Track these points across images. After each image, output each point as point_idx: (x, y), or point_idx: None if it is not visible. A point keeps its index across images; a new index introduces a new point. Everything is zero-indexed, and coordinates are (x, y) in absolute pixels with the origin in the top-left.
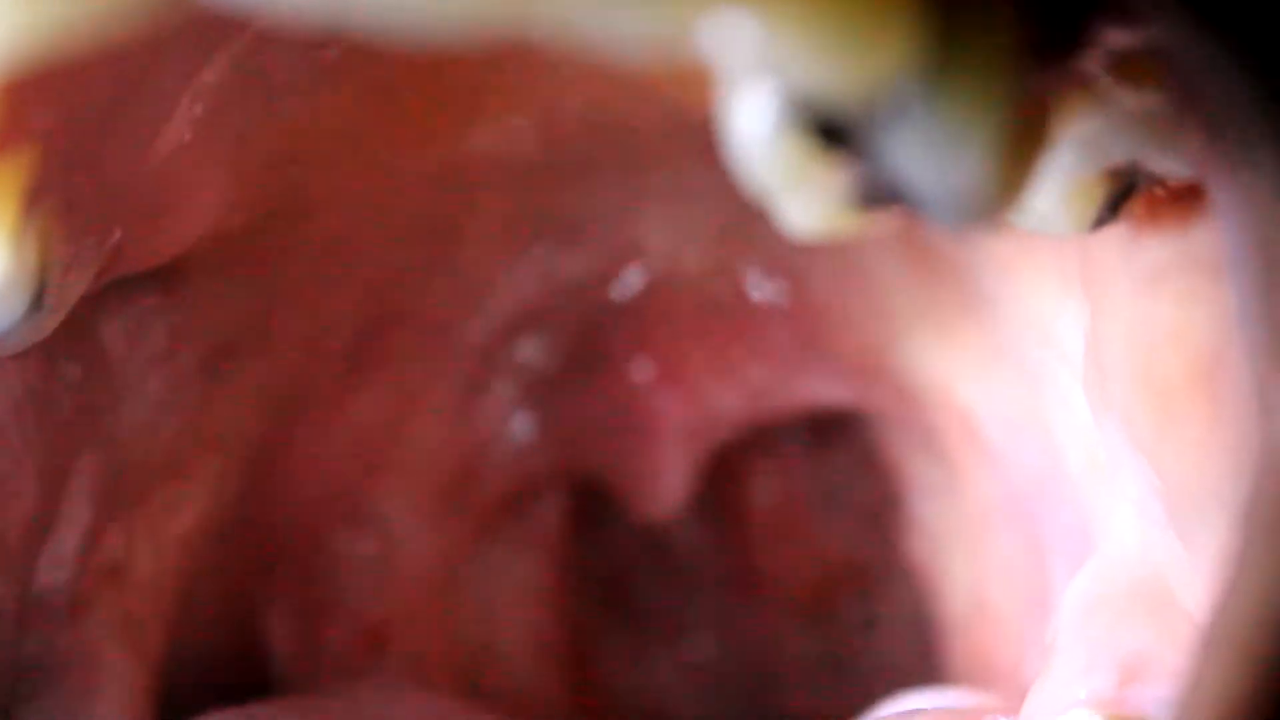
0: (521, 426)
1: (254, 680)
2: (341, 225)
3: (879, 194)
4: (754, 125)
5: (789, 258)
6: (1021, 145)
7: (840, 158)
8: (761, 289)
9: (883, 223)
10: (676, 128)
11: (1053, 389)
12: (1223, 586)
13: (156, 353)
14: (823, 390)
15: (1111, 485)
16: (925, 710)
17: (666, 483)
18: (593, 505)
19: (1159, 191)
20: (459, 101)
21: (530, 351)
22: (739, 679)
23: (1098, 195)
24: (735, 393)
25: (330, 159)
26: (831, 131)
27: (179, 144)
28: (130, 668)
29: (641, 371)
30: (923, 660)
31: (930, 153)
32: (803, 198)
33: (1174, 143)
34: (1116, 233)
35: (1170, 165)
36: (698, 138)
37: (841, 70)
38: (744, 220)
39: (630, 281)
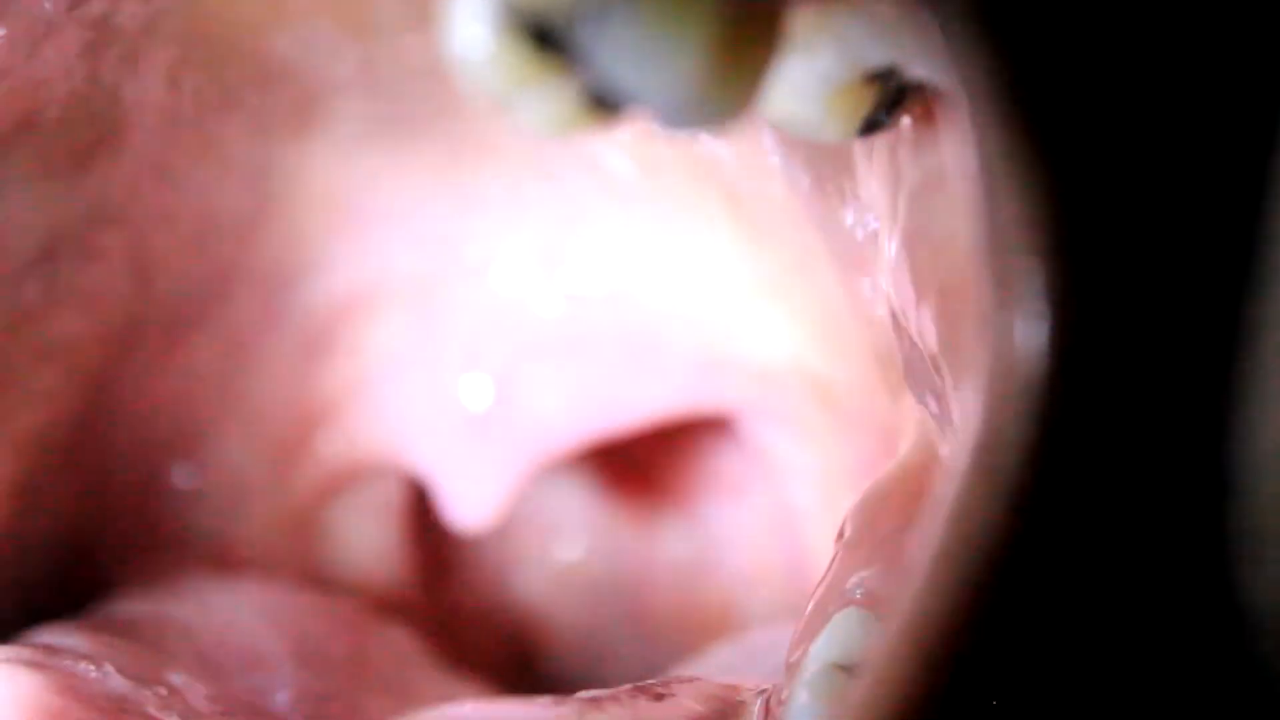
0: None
1: (83, 592)
2: (156, 137)
3: (608, 98)
4: (473, 31)
5: (617, 253)
6: (741, 45)
7: (559, 63)
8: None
9: (618, 127)
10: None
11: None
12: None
13: None
14: (666, 389)
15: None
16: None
17: (490, 497)
18: None
19: (929, 101)
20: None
21: (363, 334)
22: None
23: (862, 101)
24: (569, 403)
25: (138, 50)
26: (547, 36)
27: None
28: None
29: (470, 379)
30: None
31: (638, 56)
32: (530, 102)
33: (926, 48)
34: (900, 141)
35: (927, 71)
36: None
37: None
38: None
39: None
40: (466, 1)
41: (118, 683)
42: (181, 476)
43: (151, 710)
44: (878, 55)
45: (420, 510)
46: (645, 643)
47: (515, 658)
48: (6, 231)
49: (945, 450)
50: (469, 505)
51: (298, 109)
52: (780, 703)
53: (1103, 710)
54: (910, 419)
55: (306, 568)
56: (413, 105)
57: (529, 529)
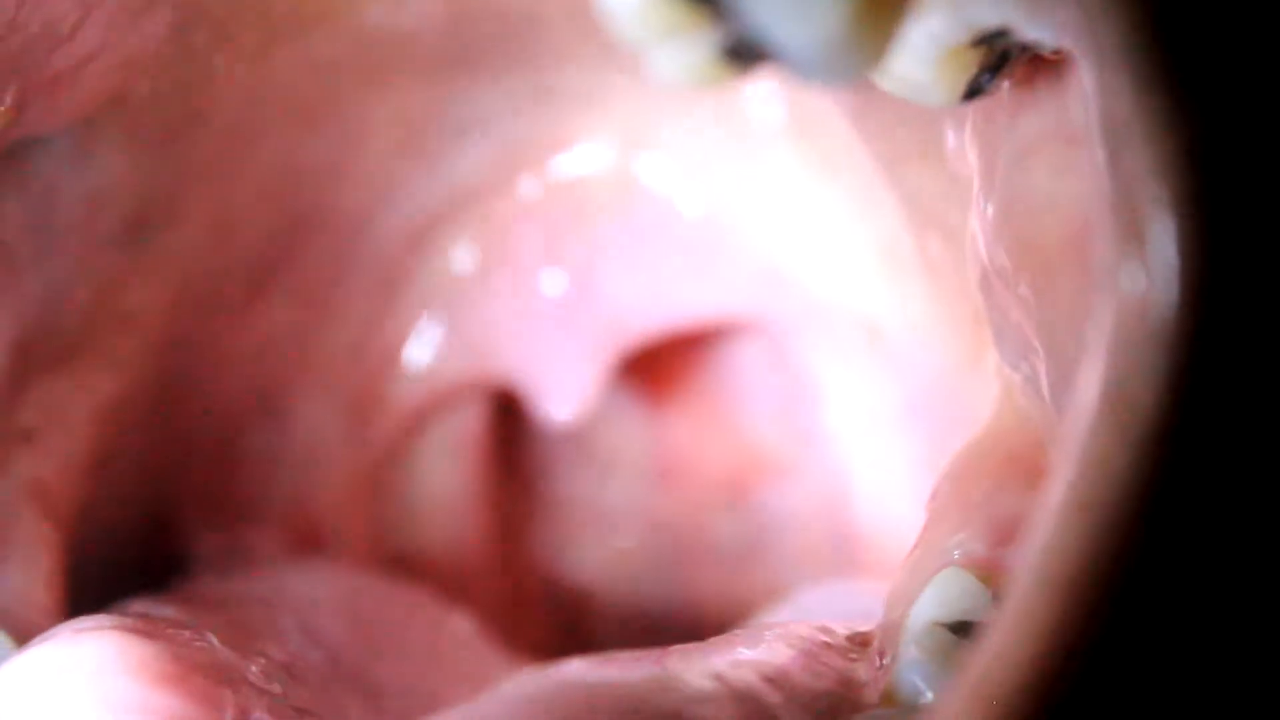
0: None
1: (162, 565)
2: (243, 104)
3: (746, 51)
4: None
5: (692, 160)
6: (878, 2)
7: (706, 13)
8: (665, 193)
9: (754, 78)
10: (584, 20)
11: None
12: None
13: (64, 224)
14: (728, 295)
15: (996, 364)
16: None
17: (577, 386)
18: (509, 409)
19: (1036, 62)
20: None
21: (439, 256)
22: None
23: (970, 63)
24: (643, 297)
25: (228, 27)
26: None
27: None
28: (41, 535)
29: (550, 276)
30: (836, 551)
31: (788, 8)
32: (671, 52)
33: (1042, 8)
34: (997, 106)
35: (1040, 33)
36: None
37: None
38: (649, 123)
39: (535, 184)
40: None
41: (223, 652)
42: (259, 439)
43: (255, 680)
44: (991, 15)
45: (496, 457)
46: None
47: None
48: (96, 202)
49: (1037, 415)
50: (558, 397)
51: (379, 66)
52: (884, 662)
53: (1251, 672)
54: (993, 383)
55: (379, 534)
56: (489, 46)
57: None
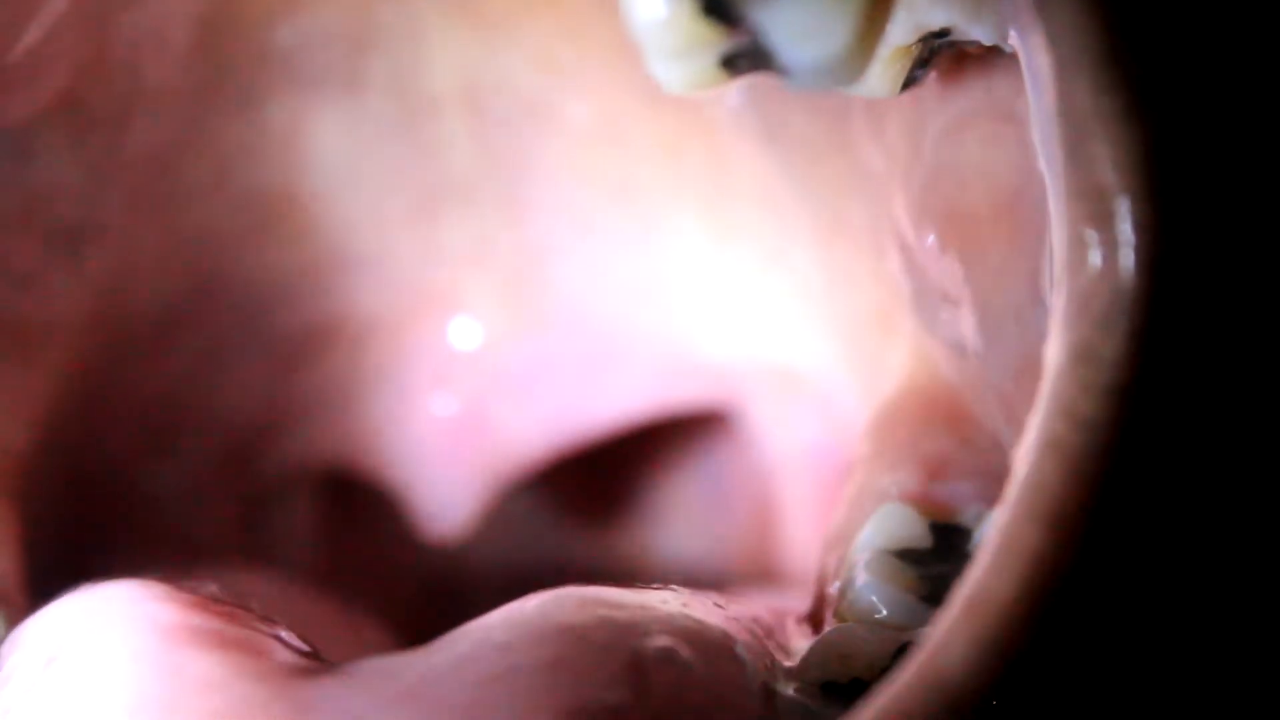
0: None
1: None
2: (159, 105)
3: (747, 62)
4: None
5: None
6: (875, 17)
7: (722, 28)
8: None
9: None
10: None
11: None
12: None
13: (7, 216)
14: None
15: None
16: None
17: (462, 509)
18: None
19: (965, 50)
20: None
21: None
22: None
23: (909, 59)
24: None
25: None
26: (716, 4)
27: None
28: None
29: (440, 399)
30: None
31: (802, 26)
32: (683, 62)
33: (983, 10)
34: (925, 91)
35: (978, 32)
36: None
37: None
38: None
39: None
40: None
41: (244, 614)
42: (147, 477)
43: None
44: (938, 18)
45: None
46: None
47: None
48: (35, 203)
49: (954, 369)
50: (441, 516)
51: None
52: (830, 596)
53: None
54: (903, 347)
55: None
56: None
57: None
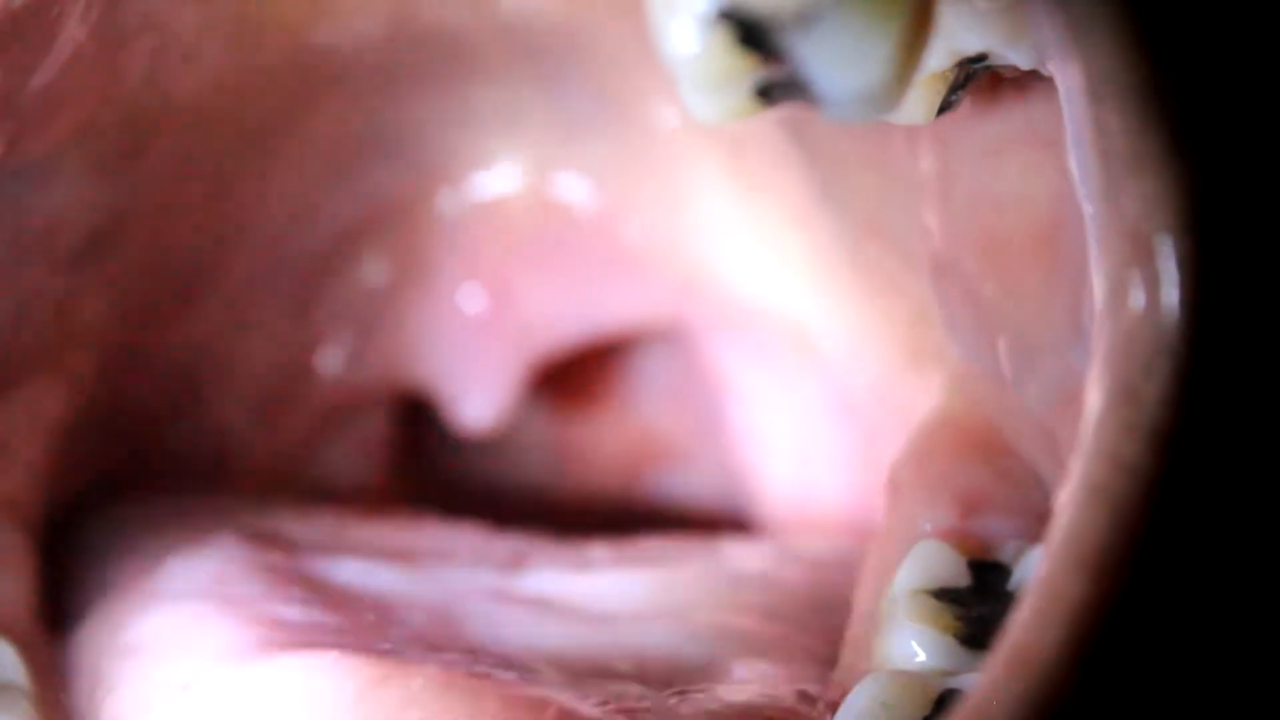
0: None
1: None
2: (192, 124)
3: (783, 91)
4: (687, 33)
5: (611, 177)
6: (913, 45)
7: (758, 59)
8: (583, 206)
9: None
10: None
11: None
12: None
13: (30, 244)
14: (648, 303)
15: (940, 354)
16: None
17: (494, 398)
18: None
19: (1003, 74)
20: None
21: (357, 269)
22: None
23: (944, 83)
24: (559, 309)
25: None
26: (752, 36)
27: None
28: (16, 545)
29: (467, 290)
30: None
31: (840, 58)
32: (718, 94)
33: (1021, 35)
34: (959, 114)
35: (1015, 57)
36: (529, 50)
37: None
38: (564, 138)
39: (453, 199)
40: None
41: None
42: (175, 439)
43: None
44: (975, 44)
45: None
46: None
47: None
48: (57, 223)
49: (992, 398)
50: (474, 408)
51: (315, 86)
52: (860, 638)
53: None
54: (937, 374)
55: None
56: (418, 67)
57: None
